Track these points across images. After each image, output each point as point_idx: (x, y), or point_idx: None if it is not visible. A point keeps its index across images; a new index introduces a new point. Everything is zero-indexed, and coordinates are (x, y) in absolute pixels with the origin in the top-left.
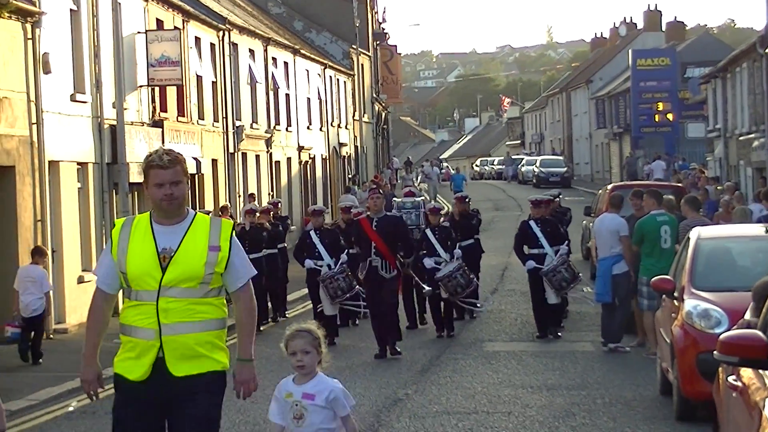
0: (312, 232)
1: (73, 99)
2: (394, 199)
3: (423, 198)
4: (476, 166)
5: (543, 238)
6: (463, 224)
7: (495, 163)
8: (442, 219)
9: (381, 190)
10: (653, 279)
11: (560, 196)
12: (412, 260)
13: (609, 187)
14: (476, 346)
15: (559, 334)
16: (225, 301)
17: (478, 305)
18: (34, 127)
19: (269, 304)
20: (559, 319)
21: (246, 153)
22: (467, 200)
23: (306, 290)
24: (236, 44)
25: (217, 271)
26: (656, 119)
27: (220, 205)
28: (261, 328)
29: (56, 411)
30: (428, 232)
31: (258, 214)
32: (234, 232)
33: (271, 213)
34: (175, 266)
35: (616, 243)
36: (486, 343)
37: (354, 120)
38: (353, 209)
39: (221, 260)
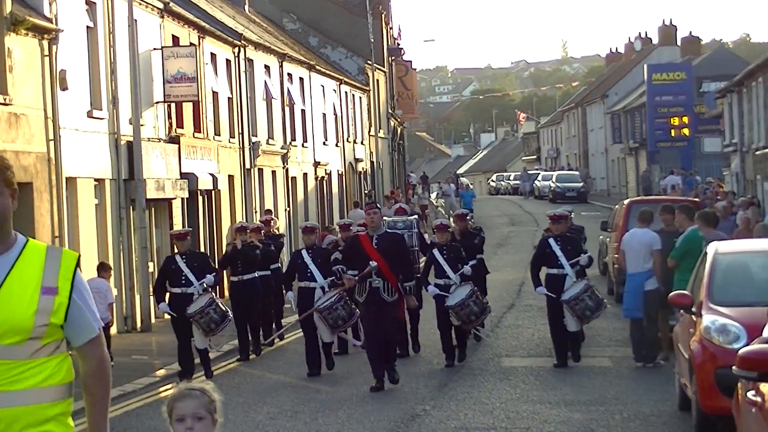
0: (304, 251)
1: (90, 115)
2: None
3: (416, 217)
4: (492, 181)
5: (563, 257)
6: (464, 244)
7: (511, 178)
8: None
9: (378, 206)
10: (670, 294)
11: (572, 214)
12: (413, 285)
13: (626, 202)
14: (494, 362)
15: (579, 355)
16: (68, 359)
17: (485, 334)
18: (52, 143)
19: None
20: (578, 342)
21: (262, 169)
22: (468, 218)
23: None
24: (252, 60)
25: (54, 322)
26: (672, 134)
27: (265, 209)
28: (252, 357)
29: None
30: (436, 252)
31: (249, 232)
32: (78, 267)
33: (262, 231)
34: None
35: (648, 258)
36: (503, 359)
37: (370, 135)
38: (353, 227)
39: (58, 307)
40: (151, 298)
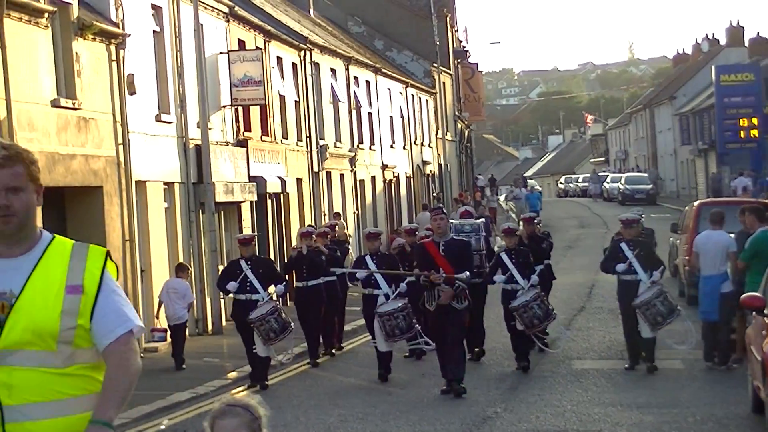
0: (368, 258)
1: (158, 119)
2: (450, 221)
3: (482, 220)
4: (561, 183)
5: (636, 263)
6: (532, 248)
7: (579, 180)
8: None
9: (445, 211)
10: (742, 296)
11: (642, 216)
12: (467, 278)
13: (695, 204)
14: (565, 364)
15: (655, 365)
16: (103, 368)
17: (548, 347)
18: (121, 147)
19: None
20: (652, 350)
21: (330, 172)
22: (536, 222)
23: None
24: (318, 63)
25: (82, 324)
26: (741, 135)
27: (334, 212)
28: (318, 361)
29: (147, 429)
30: (503, 255)
31: (315, 237)
32: (109, 261)
33: (329, 236)
34: (17, 318)
35: (723, 260)
36: (575, 361)
37: (437, 138)
38: (419, 231)
39: (85, 307)
40: (222, 301)
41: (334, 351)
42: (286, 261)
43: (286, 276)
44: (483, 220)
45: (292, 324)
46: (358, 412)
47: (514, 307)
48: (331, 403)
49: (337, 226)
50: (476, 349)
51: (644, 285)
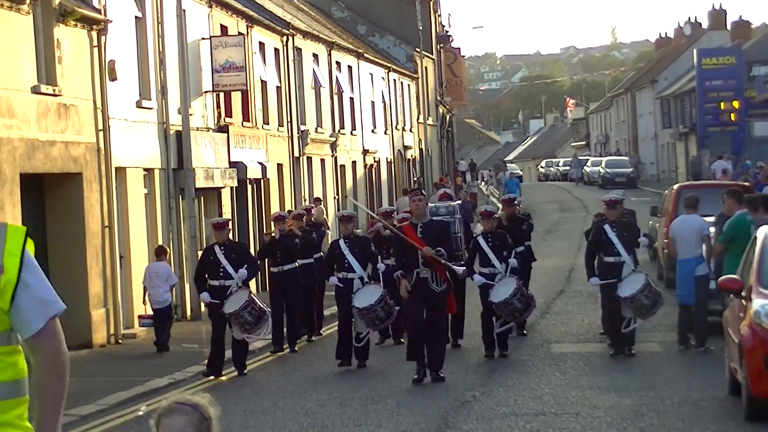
0: (341, 241)
1: (139, 105)
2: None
3: (459, 203)
4: (541, 167)
5: (620, 245)
6: (512, 230)
7: (560, 164)
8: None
9: (423, 193)
10: (720, 279)
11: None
12: (463, 273)
13: (675, 187)
14: (543, 348)
15: (633, 352)
16: (19, 351)
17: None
18: (101, 133)
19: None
20: (633, 337)
21: (311, 157)
22: (516, 203)
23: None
24: (300, 49)
25: (0, 307)
26: (723, 118)
27: (314, 197)
28: (296, 348)
29: (126, 415)
30: (480, 240)
31: (288, 221)
32: (27, 241)
33: (304, 219)
34: None
35: (699, 244)
36: (553, 345)
37: (418, 123)
38: (395, 214)
39: (4, 287)
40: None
41: (313, 337)
42: (259, 247)
43: (262, 261)
44: (459, 202)
45: (268, 311)
46: (336, 397)
47: (494, 303)
48: (310, 389)
49: (314, 210)
50: (459, 342)
51: (628, 267)
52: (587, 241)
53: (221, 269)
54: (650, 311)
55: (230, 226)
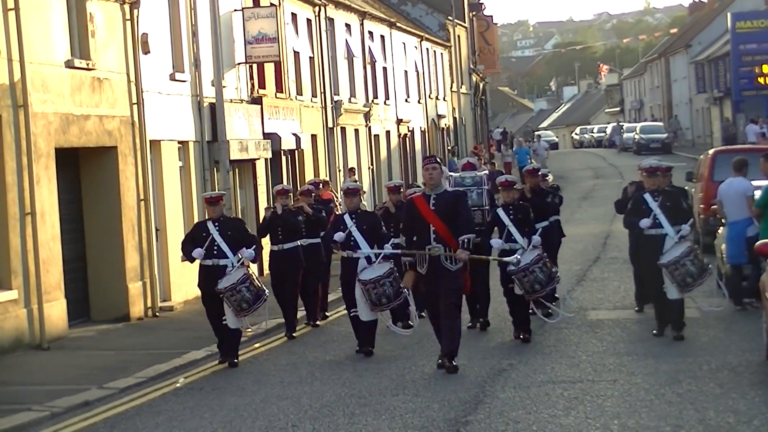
0: (346, 216)
1: (172, 78)
2: (450, 174)
3: (486, 172)
4: (575, 134)
5: (662, 215)
6: (536, 202)
7: (594, 131)
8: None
9: (438, 160)
10: (757, 243)
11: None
12: (470, 238)
13: (710, 152)
14: (580, 315)
15: (682, 335)
16: None
17: (558, 311)
18: (135, 107)
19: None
20: (680, 315)
21: (345, 127)
22: (541, 173)
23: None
24: (332, 19)
25: None
26: (757, 82)
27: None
28: (294, 334)
29: (164, 388)
30: (501, 212)
31: (299, 196)
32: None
33: (312, 195)
34: None
35: (746, 206)
36: (589, 312)
37: (452, 92)
38: (407, 188)
39: None
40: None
41: (318, 322)
42: (259, 222)
43: (262, 239)
44: (486, 172)
45: (267, 292)
46: (372, 367)
47: (513, 271)
48: (347, 360)
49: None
50: (481, 320)
51: (670, 240)
52: (617, 212)
53: (215, 247)
54: (697, 280)
55: (223, 201)
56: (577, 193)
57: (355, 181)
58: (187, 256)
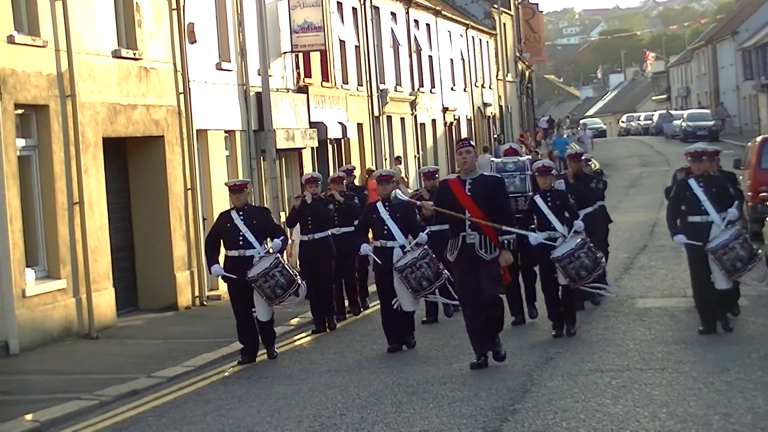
0: (379, 204)
1: (218, 67)
2: (491, 159)
3: (529, 157)
4: (622, 122)
5: (707, 202)
6: (579, 188)
7: (641, 118)
8: (554, 182)
9: (472, 144)
10: None
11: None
12: (513, 239)
13: (758, 139)
14: (627, 303)
15: (731, 327)
16: None
17: (609, 291)
18: (182, 96)
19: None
20: (728, 307)
21: (391, 116)
22: (584, 159)
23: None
24: (378, 8)
25: None
26: None
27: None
28: (325, 330)
29: (212, 377)
30: (538, 199)
31: (330, 184)
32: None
33: (344, 182)
34: None
35: None
36: (637, 300)
37: (497, 80)
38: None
39: None
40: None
41: (354, 313)
42: (288, 212)
43: (290, 230)
44: (529, 157)
45: (299, 278)
46: (420, 356)
47: (556, 258)
48: (360, 368)
49: (393, 170)
50: (522, 315)
51: (717, 227)
52: (667, 199)
53: (240, 237)
54: (747, 264)
55: (249, 189)
56: (624, 181)
57: (400, 170)
58: (208, 267)
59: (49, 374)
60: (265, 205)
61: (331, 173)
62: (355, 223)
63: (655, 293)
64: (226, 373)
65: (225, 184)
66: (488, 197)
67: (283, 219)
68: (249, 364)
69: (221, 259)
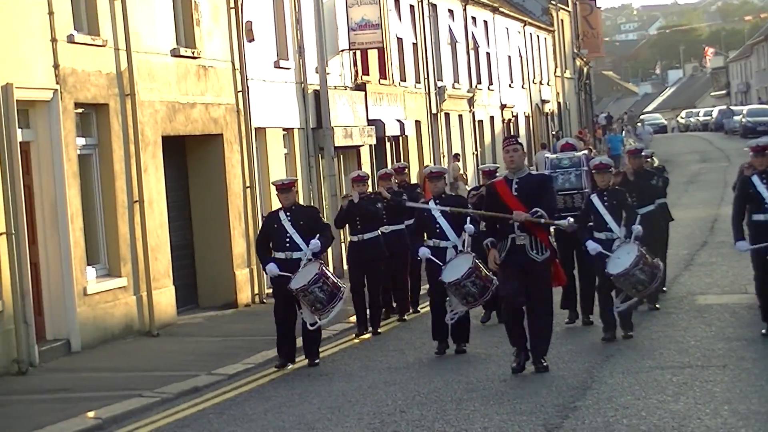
0: (431, 203)
1: (276, 66)
2: (546, 155)
3: (585, 152)
4: (681, 118)
5: None
6: (639, 185)
7: (701, 114)
8: (612, 181)
9: (520, 142)
10: None
11: None
12: (569, 225)
13: None
14: (688, 300)
15: None
16: None
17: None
18: (240, 94)
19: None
20: None
21: (449, 113)
22: (644, 154)
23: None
24: (435, 5)
25: None
26: None
27: (453, 153)
28: (379, 330)
29: (272, 374)
30: (594, 198)
31: (379, 181)
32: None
33: (393, 179)
34: None
35: None
36: (698, 297)
37: (555, 76)
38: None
39: None
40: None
41: (405, 317)
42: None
43: (340, 230)
44: (585, 152)
45: (343, 287)
46: (480, 353)
47: (612, 276)
48: (420, 365)
49: (450, 167)
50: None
51: None
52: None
53: (287, 239)
54: None
55: (297, 187)
56: (684, 177)
57: (459, 167)
58: (263, 266)
59: (110, 371)
60: (324, 203)
61: (360, 171)
62: (407, 222)
63: (716, 290)
64: (287, 370)
65: (272, 183)
66: (535, 196)
67: None
68: (286, 368)
69: None
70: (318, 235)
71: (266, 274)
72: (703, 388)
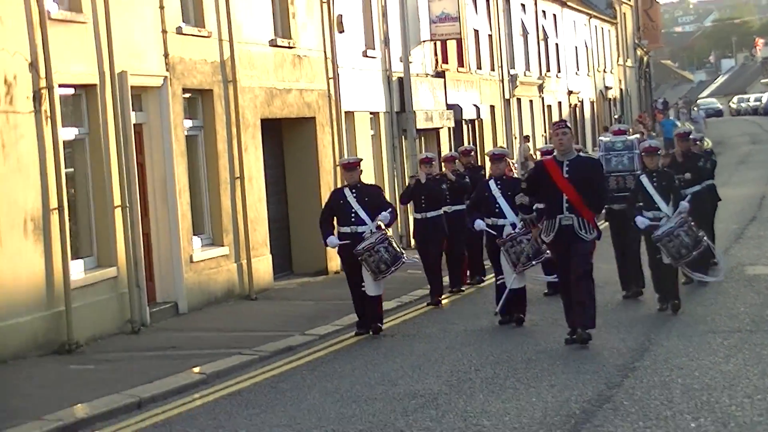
0: (492, 182)
1: (364, 55)
2: (600, 138)
3: (637, 136)
4: (733, 103)
5: None
6: (687, 167)
7: (751, 100)
8: (661, 162)
9: (569, 126)
10: None
11: None
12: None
13: None
14: (738, 270)
15: None
16: None
17: (714, 275)
18: (331, 81)
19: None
20: None
21: (520, 99)
22: (692, 137)
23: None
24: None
25: None
26: None
27: (523, 135)
28: (442, 301)
29: (347, 338)
30: (644, 179)
31: (444, 163)
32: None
33: (459, 161)
34: None
35: None
36: (747, 267)
37: (618, 65)
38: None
39: None
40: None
41: (463, 288)
42: (402, 190)
43: (405, 206)
44: (637, 136)
45: (405, 255)
46: (539, 319)
47: (657, 237)
48: (494, 328)
49: (521, 148)
50: (634, 289)
51: None
52: None
53: (353, 214)
54: None
55: (361, 167)
56: (735, 158)
57: (529, 148)
58: (323, 239)
59: (213, 331)
60: (406, 180)
61: (428, 153)
62: (467, 201)
63: (765, 261)
64: (371, 332)
65: (338, 163)
66: (586, 179)
67: None
68: (366, 334)
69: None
70: (391, 209)
71: (326, 245)
72: (752, 351)
